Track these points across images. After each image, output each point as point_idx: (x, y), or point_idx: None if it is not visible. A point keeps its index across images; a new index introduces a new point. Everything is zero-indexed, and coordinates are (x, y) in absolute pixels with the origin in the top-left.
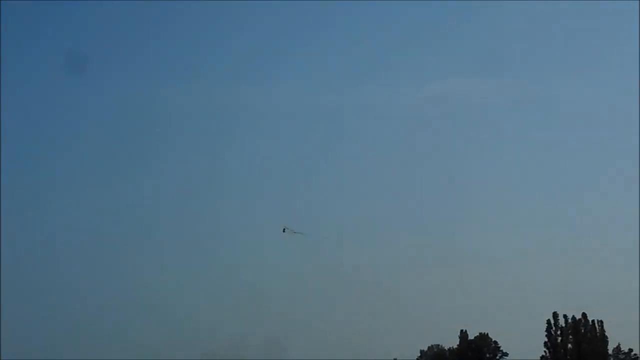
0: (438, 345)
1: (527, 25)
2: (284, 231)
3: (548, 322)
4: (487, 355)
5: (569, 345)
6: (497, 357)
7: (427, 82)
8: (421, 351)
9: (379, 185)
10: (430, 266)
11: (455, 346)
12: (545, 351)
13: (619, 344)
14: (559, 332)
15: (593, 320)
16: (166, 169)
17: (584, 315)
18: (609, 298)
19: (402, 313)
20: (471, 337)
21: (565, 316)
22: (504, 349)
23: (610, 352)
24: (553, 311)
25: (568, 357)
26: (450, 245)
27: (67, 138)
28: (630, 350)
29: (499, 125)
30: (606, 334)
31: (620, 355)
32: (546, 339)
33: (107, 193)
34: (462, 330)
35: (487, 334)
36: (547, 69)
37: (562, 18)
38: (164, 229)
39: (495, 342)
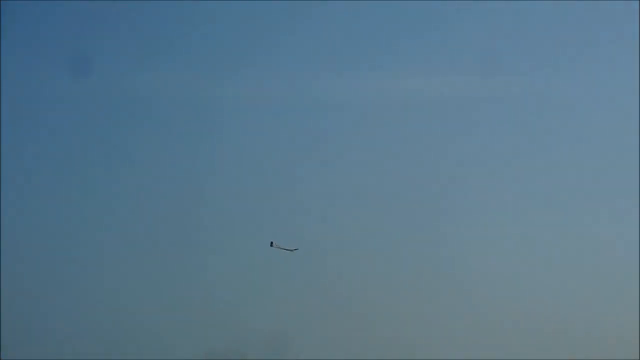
0: None
1: (518, 23)
2: (271, 245)
3: None
4: None
5: None
6: None
7: (405, 77)
8: None
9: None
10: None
11: None
12: None
13: None
14: None
15: None
16: (166, 164)
17: None
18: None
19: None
20: None
21: None
22: None
23: None
24: None
25: None
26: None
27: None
28: None
29: (484, 125)
30: None
31: None
32: None
33: (106, 192)
34: None
35: None
36: (542, 68)
37: (559, 17)
38: (163, 228)
39: None
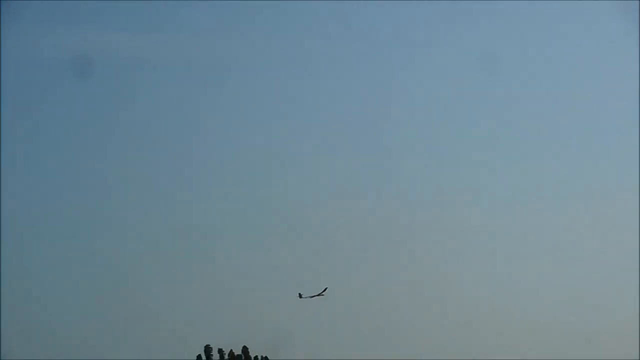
0: None
1: None
2: (300, 297)
3: (198, 358)
4: None
5: None
6: None
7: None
8: None
9: None
10: None
11: None
12: None
13: None
14: None
15: (256, 356)
16: (164, 167)
17: (245, 349)
18: None
19: None
20: None
21: (221, 351)
22: None
23: None
24: (206, 344)
25: None
26: None
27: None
28: None
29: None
30: None
31: None
32: None
33: (103, 192)
34: None
35: None
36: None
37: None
38: (163, 228)
39: None
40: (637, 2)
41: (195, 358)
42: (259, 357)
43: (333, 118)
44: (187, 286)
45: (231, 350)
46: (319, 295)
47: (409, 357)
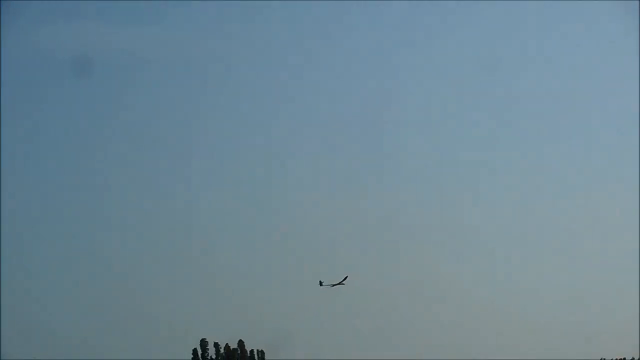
0: None
1: None
2: (321, 284)
3: (194, 352)
4: None
5: None
6: None
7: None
8: None
9: None
10: None
11: None
12: None
13: None
14: None
15: (252, 350)
16: (164, 167)
17: (241, 343)
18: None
19: None
20: None
21: (216, 344)
22: None
23: None
24: (202, 338)
25: None
26: None
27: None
28: None
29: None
30: None
31: None
32: None
33: (103, 192)
34: None
35: None
36: None
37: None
38: (163, 228)
39: None
40: (637, 2)
41: (192, 352)
42: (255, 351)
43: (333, 118)
44: (187, 284)
45: (227, 344)
46: (339, 283)
47: (409, 357)
